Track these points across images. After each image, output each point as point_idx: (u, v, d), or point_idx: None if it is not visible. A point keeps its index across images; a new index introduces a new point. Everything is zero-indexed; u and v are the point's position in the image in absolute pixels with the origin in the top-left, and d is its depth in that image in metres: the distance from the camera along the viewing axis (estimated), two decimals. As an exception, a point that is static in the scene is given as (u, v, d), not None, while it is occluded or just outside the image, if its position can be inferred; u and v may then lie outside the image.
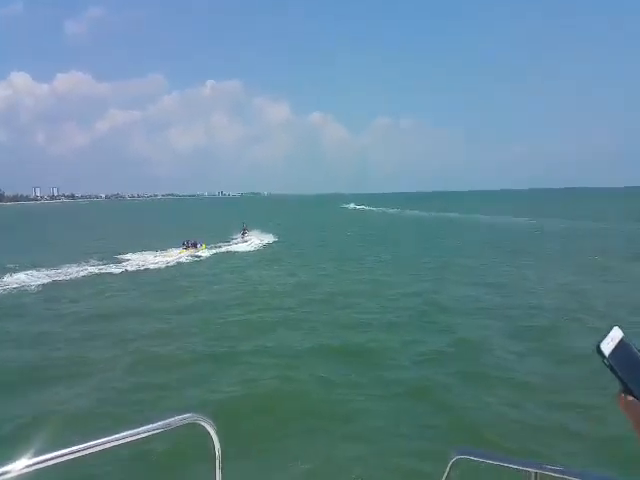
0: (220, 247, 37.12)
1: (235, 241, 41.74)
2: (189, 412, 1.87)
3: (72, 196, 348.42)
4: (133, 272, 25.59)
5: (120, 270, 25.88)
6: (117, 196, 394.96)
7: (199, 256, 32.39)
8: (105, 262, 28.30)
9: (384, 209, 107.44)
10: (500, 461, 1.78)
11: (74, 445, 1.46)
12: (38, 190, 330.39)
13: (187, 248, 34.03)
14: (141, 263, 28.34)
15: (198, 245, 35.17)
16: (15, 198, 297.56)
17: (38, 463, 1.39)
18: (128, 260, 29.56)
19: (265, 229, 47.57)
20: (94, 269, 25.80)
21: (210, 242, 37.09)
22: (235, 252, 34.95)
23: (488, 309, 16.08)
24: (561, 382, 10.06)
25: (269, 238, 42.34)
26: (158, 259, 30.63)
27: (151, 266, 27.38)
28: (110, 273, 25.08)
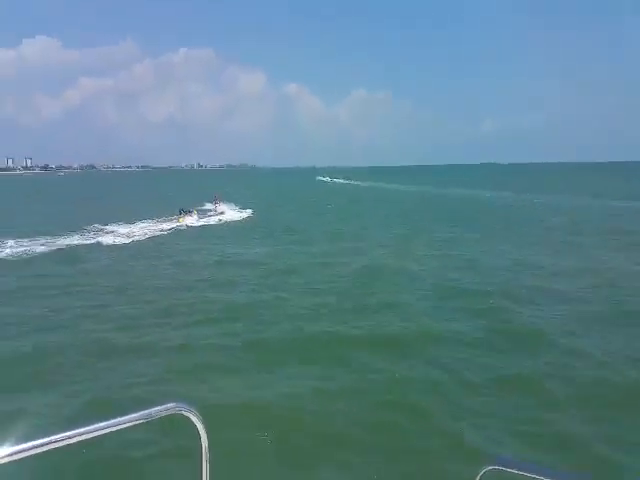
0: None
1: (210, 213, 43.02)
2: (172, 401, 1.80)
3: (45, 167, 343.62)
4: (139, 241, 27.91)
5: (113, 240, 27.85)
6: (91, 167, 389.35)
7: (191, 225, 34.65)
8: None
9: (358, 182, 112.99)
10: (539, 474, 1.59)
11: (49, 436, 1.42)
12: (11, 161, 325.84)
13: (183, 216, 36.26)
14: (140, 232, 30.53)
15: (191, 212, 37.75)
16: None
17: (13, 454, 1.35)
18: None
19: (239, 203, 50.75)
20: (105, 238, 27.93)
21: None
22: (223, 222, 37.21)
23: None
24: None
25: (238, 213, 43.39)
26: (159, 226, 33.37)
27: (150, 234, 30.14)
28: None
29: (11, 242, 25.52)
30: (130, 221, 35.28)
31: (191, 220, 36.33)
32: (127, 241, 27.44)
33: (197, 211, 39.60)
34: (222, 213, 42.19)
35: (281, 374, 9.77)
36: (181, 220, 35.84)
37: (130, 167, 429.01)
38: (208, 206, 47.23)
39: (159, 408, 1.75)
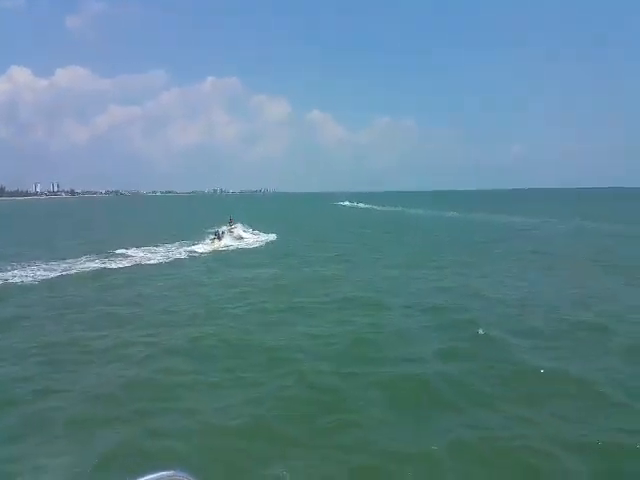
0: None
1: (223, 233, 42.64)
2: (171, 469, 1.63)
3: (72, 192, 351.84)
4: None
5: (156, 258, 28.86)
6: (117, 192, 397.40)
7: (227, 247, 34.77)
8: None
9: (378, 207, 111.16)
10: None
11: None
12: (39, 186, 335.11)
13: (219, 238, 36.96)
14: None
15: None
16: (15, 193, 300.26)
17: None
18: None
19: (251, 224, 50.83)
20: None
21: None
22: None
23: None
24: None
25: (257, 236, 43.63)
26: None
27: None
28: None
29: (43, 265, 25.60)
30: (159, 244, 35.47)
31: (223, 243, 36.33)
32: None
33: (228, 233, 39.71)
34: (240, 238, 41.20)
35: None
36: (216, 243, 36.00)
37: (155, 192, 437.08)
38: (223, 228, 45.90)
39: (155, 476, 1.58)
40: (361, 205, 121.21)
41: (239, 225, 48.13)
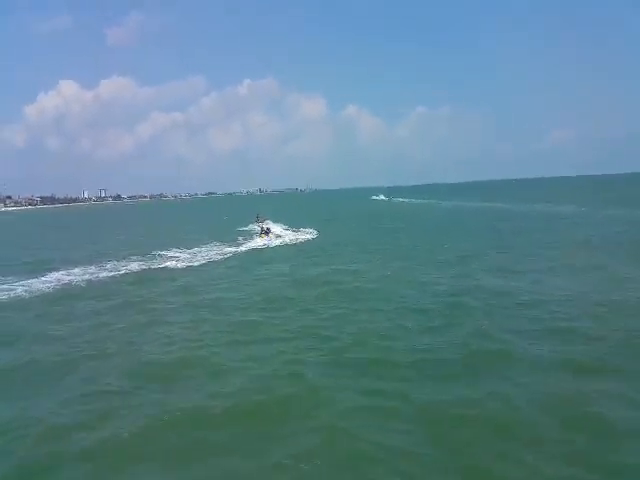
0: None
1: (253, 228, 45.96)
2: None
3: (118, 197, 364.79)
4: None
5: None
6: (160, 196, 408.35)
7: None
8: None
9: (412, 200, 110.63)
10: None
11: None
12: (86, 192, 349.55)
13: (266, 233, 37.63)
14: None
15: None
16: (65, 200, 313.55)
17: None
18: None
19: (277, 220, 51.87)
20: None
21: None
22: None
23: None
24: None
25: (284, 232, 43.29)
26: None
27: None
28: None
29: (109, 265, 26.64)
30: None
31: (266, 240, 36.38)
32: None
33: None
34: (278, 236, 40.81)
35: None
36: (262, 237, 36.64)
37: (196, 194, 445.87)
38: (252, 226, 48.47)
39: None
40: (399, 199, 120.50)
41: (269, 221, 49.27)
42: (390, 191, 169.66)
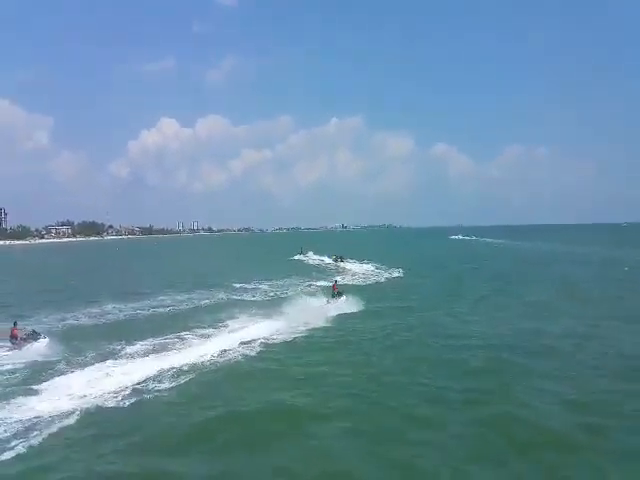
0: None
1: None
2: None
3: (209, 229, 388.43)
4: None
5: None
6: (247, 229, 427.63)
7: None
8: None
9: (485, 239, 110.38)
10: None
11: None
12: (181, 224, 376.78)
13: None
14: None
15: None
16: (162, 231, 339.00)
17: None
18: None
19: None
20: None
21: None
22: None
23: None
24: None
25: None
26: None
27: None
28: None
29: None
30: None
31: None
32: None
33: None
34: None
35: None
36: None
37: (281, 229, 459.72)
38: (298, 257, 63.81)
39: None
40: (472, 238, 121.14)
41: (310, 252, 64.71)
42: (473, 231, 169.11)
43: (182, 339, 18.84)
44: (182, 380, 13.79)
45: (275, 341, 18.47)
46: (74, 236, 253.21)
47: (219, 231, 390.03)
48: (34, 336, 17.51)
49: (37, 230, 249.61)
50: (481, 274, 40.01)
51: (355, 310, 24.50)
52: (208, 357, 15.98)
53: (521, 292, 29.22)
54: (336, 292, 26.71)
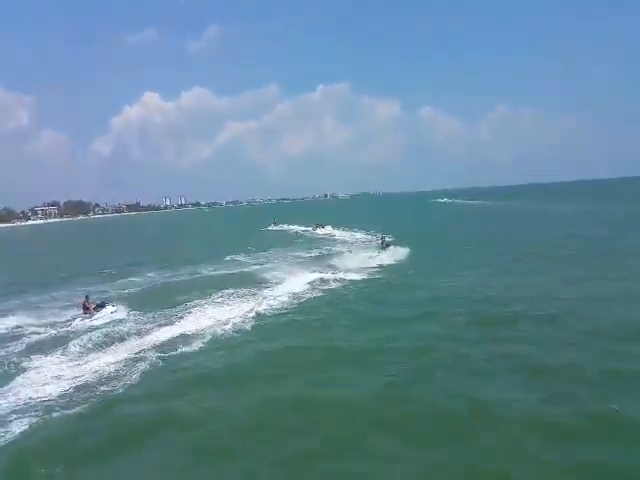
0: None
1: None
2: None
3: (197, 204, 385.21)
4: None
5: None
6: (235, 202, 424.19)
7: None
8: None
9: (468, 201, 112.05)
10: None
11: None
12: (168, 200, 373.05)
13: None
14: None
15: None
16: (149, 207, 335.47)
17: None
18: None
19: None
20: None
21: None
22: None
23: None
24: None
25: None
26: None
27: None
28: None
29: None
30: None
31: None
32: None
33: None
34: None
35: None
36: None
37: (270, 200, 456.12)
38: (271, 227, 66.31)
39: None
40: (458, 201, 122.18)
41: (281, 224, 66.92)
42: (462, 193, 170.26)
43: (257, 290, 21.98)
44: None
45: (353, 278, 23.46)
46: (61, 216, 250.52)
47: (207, 205, 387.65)
48: (103, 305, 19.62)
49: (23, 212, 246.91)
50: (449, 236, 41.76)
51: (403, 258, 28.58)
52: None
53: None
54: (384, 244, 32.05)
